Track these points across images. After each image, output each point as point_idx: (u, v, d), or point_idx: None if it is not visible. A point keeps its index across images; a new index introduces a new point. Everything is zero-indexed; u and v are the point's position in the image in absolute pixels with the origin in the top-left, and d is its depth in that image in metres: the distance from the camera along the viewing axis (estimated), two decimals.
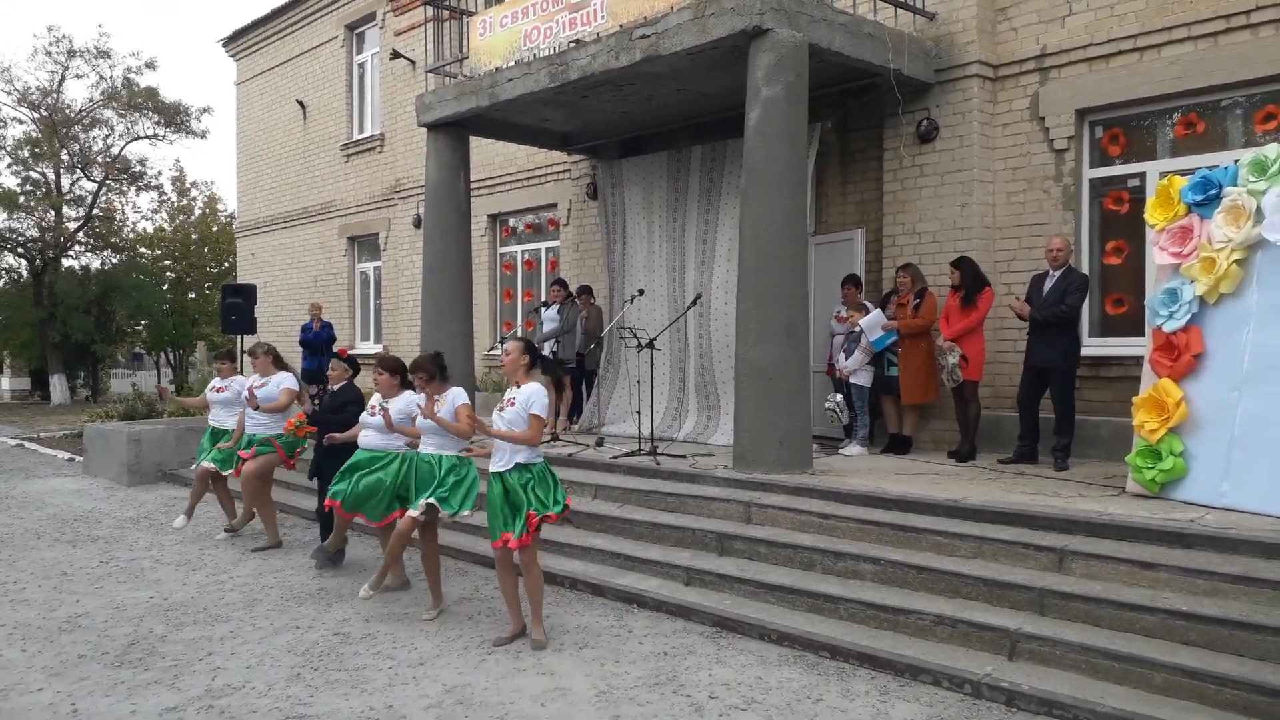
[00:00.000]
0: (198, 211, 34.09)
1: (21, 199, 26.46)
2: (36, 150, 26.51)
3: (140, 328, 31.24)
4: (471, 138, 11.00)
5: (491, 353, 14.09)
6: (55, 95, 26.70)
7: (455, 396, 5.97)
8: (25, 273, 27.77)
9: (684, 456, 8.48)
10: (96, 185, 27.76)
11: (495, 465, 5.53)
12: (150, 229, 32.68)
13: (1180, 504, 5.96)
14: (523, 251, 14.62)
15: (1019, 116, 8.64)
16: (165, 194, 31.68)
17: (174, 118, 27.41)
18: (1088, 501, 6.13)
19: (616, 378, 10.95)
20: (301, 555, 7.82)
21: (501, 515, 5.48)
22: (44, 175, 27.38)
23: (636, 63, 8.30)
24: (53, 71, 26.61)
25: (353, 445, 6.71)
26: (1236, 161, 6.00)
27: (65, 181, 27.67)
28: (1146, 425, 6.20)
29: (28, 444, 16.05)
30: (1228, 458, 5.84)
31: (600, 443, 9.46)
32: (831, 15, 7.93)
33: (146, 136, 27.83)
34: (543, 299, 11.84)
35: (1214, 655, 4.50)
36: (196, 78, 76.53)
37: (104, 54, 26.74)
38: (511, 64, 9.58)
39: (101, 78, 26.88)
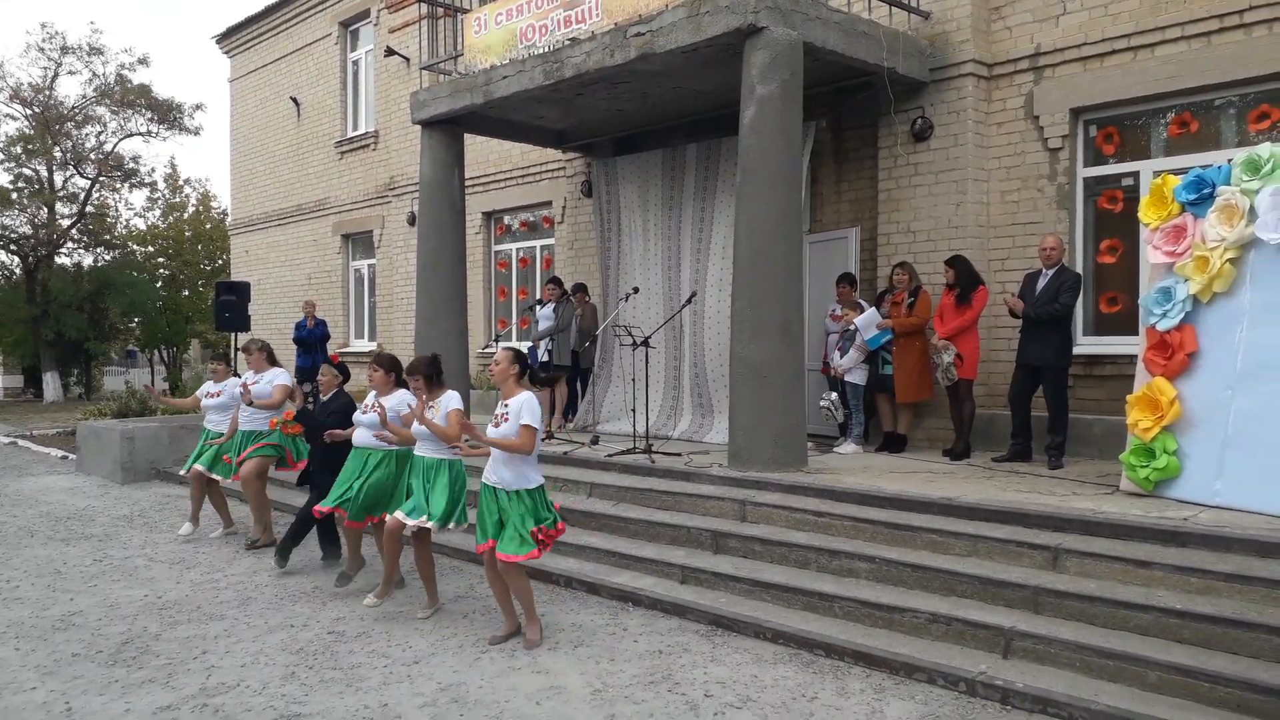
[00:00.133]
0: (191, 209, 33.98)
1: (14, 196, 26.37)
2: (29, 147, 26.40)
3: (133, 325, 31.13)
4: (466, 135, 10.98)
5: (486, 350, 14.08)
6: (48, 92, 26.60)
7: (448, 401, 5.95)
8: (18, 270, 27.66)
9: (679, 455, 8.49)
10: (89, 182, 27.67)
11: (489, 477, 5.50)
12: (143, 226, 32.61)
13: (1174, 502, 5.98)
14: (517, 249, 14.60)
15: (1013, 115, 8.65)
16: (158, 190, 31.60)
17: (167, 114, 27.32)
18: (1082, 500, 6.15)
19: (611, 376, 10.95)
20: (296, 554, 7.79)
21: (490, 522, 5.47)
22: (36, 172, 27.27)
23: (631, 60, 8.30)
24: (45, 68, 26.53)
25: (347, 446, 6.70)
26: (1230, 161, 6.02)
27: (58, 178, 27.58)
28: (1140, 424, 6.21)
29: (21, 442, 15.99)
30: (1221, 456, 5.86)
31: (595, 441, 9.47)
32: (826, 14, 7.93)
33: (140, 133, 27.74)
34: (538, 297, 11.84)
35: (1208, 653, 4.52)
36: (190, 74, 76.31)
37: (97, 50, 26.65)
38: (506, 61, 9.56)
39: (94, 74, 26.80)
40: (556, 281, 10.82)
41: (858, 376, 8.70)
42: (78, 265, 28.59)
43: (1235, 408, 5.80)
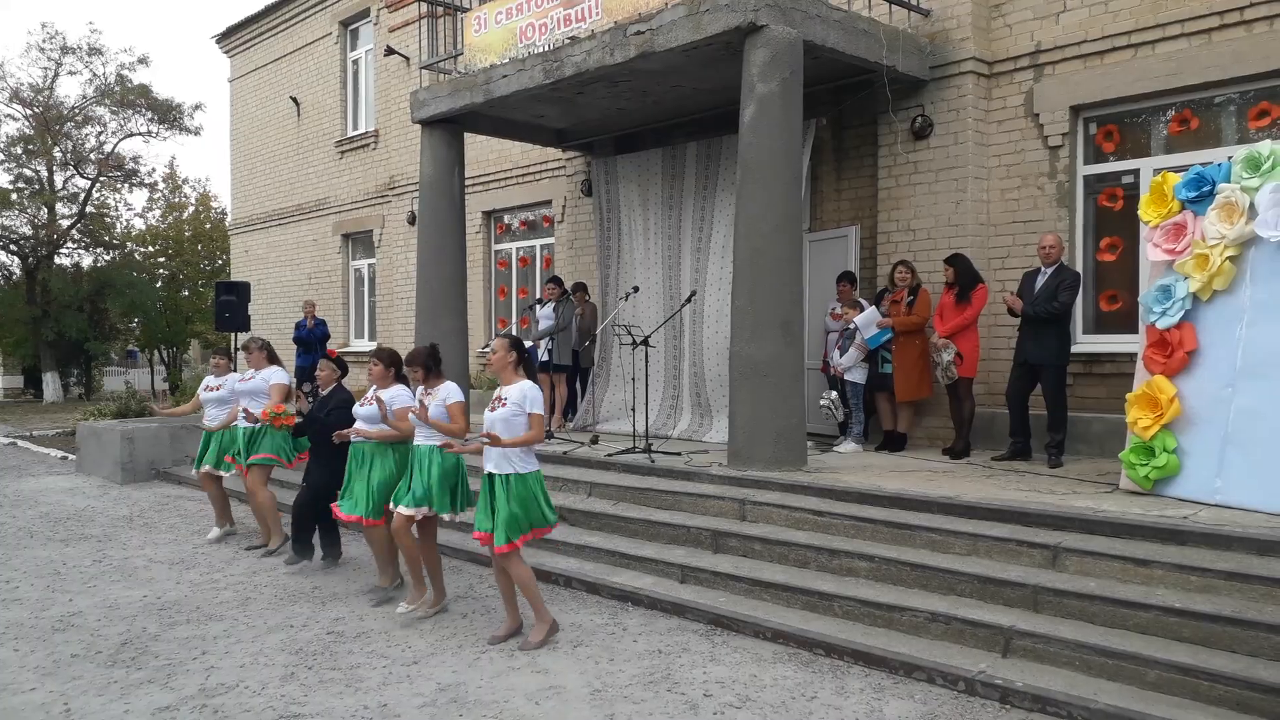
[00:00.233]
0: (190, 209, 33.98)
1: (14, 196, 26.39)
2: (29, 147, 26.43)
3: (133, 325, 31.15)
4: (466, 134, 10.98)
5: (486, 350, 14.06)
6: (48, 92, 26.63)
7: (448, 393, 5.93)
8: (18, 270, 27.69)
9: (679, 454, 8.48)
10: (89, 182, 27.68)
11: (489, 466, 5.50)
12: (143, 226, 32.62)
13: (1174, 501, 5.97)
14: (517, 248, 14.60)
15: (1013, 113, 8.64)
16: (158, 190, 31.62)
17: (167, 114, 27.34)
18: (1081, 498, 6.14)
19: (611, 375, 10.94)
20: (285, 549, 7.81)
21: (488, 511, 5.45)
22: (37, 172, 27.30)
23: (631, 59, 8.29)
24: (45, 68, 26.57)
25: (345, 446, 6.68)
26: (1230, 158, 6.01)
27: (58, 179, 27.60)
28: (1140, 422, 6.21)
29: (20, 442, 16.00)
30: (1221, 454, 5.85)
31: (595, 440, 9.46)
32: (826, 12, 7.92)
33: (139, 133, 27.79)
34: (538, 296, 11.83)
35: (1208, 652, 4.51)
36: (190, 74, 76.32)
37: (97, 51, 26.69)
38: (506, 60, 9.56)
39: (94, 74, 26.83)
40: (556, 281, 10.81)
41: (857, 375, 8.69)
42: (76, 265, 28.61)
43: (1235, 406, 5.79)
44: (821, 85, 8.95)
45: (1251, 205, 5.76)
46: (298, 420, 7.63)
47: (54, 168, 27.25)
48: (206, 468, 8.37)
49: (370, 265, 17.76)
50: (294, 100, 19.31)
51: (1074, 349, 8.02)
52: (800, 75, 7.64)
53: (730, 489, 7.24)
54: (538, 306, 10.85)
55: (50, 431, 17.37)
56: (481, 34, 10.02)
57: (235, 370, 8.93)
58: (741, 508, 6.94)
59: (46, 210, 26.93)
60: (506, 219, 14.79)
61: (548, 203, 13.68)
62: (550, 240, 13.83)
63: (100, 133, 27.45)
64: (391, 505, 6.11)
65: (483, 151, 14.01)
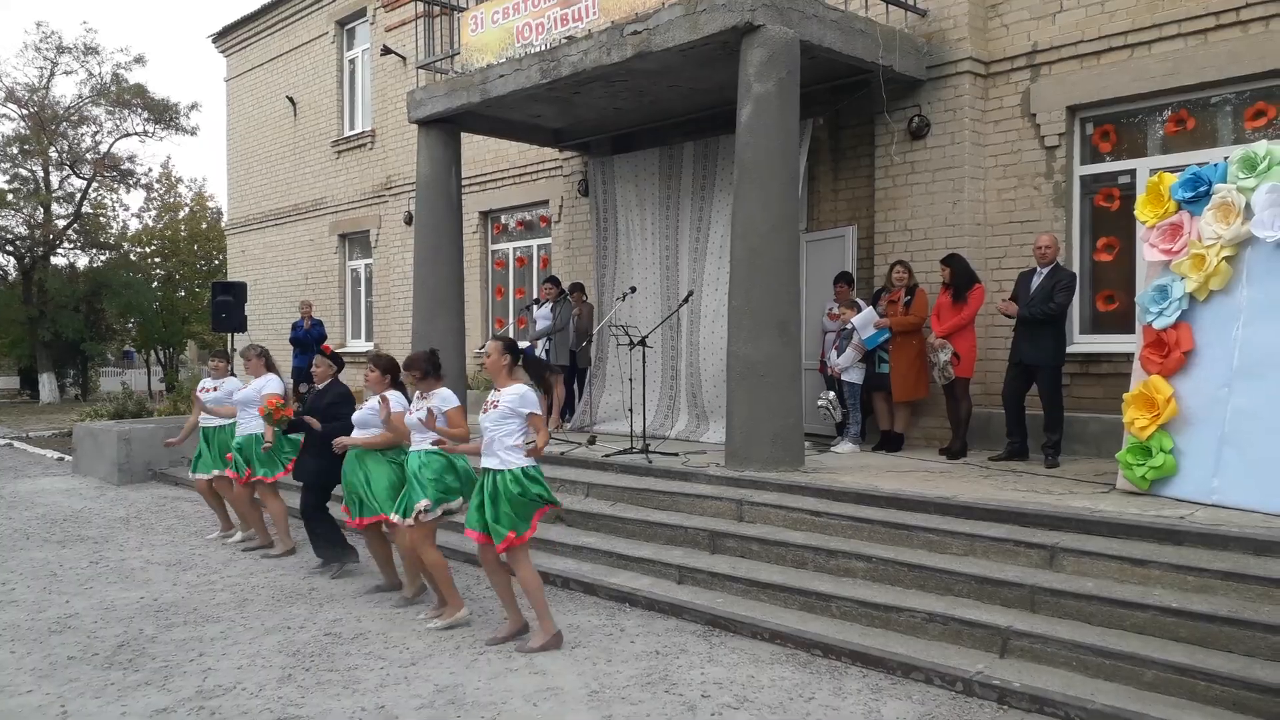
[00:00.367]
0: (186, 209, 33.95)
1: (10, 196, 26.34)
2: (25, 147, 26.38)
3: (130, 326, 31.11)
4: (463, 134, 10.97)
5: (483, 350, 14.06)
6: (44, 92, 26.58)
7: (445, 399, 5.92)
8: (14, 271, 27.64)
9: (676, 454, 8.48)
10: (85, 182, 27.64)
11: (487, 463, 5.49)
12: (138, 226, 32.60)
13: (1170, 501, 5.97)
14: (514, 248, 14.60)
15: (1010, 113, 8.65)
16: (154, 191, 31.59)
17: (163, 114, 27.30)
18: (1078, 499, 6.15)
19: (608, 376, 10.94)
20: (294, 556, 7.80)
21: (480, 510, 5.44)
22: (32, 173, 27.25)
23: (628, 59, 8.28)
24: (41, 68, 26.52)
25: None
26: (1226, 158, 6.01)
27: (54, 179, 27.56)
28: (1137, 422, 6.21)
29: (16, 443, 15.97)
30: (1218, 454, 5.85)
31: (592, 441, 9.46)
32: (823, 11, 7.93)
33: (135, 133, 27.74)
34: (535, 297, 11.82)
35: (1204, 652, 4.52)
36: (186, 74, 76.25)
37: (92, 50, 26.63)
38: (503, 60, 9.55)
39: (90, 74, 26.78)
40: (554, 281, 10.81)
41: (854, 375, 8.69)
42: (72, 266, 28.56)
43: (1232, 406, 5.80)
44: (818, 85, 8.94)
45: (1248, 205, 5.76)
46: (296, 410, 7.59)
47: (50, 168, 27.20)
48: (205, 475, 8.34)
49: (367, 265, 17.75)
50: (290, 100, 19.29)
51: (1071, 349, 8.04)
52: (797, 75, 7.64)
53: (727, 489, 7.24)
54: (535, 307, 10.85)
55: (46, 432, 17.35)
56: (478, 34, 10.01)
57: (234, 374, 8.91)
58: (739, 508, 6.94)
59: (42, 210, 26.89)
60: (503, 219, 14.78)
61: (545, 203, 13.67)
62: (547, 240, 13.82)
63: (96, 132, 27.44)
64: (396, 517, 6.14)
65: (479, 151, 14.00)
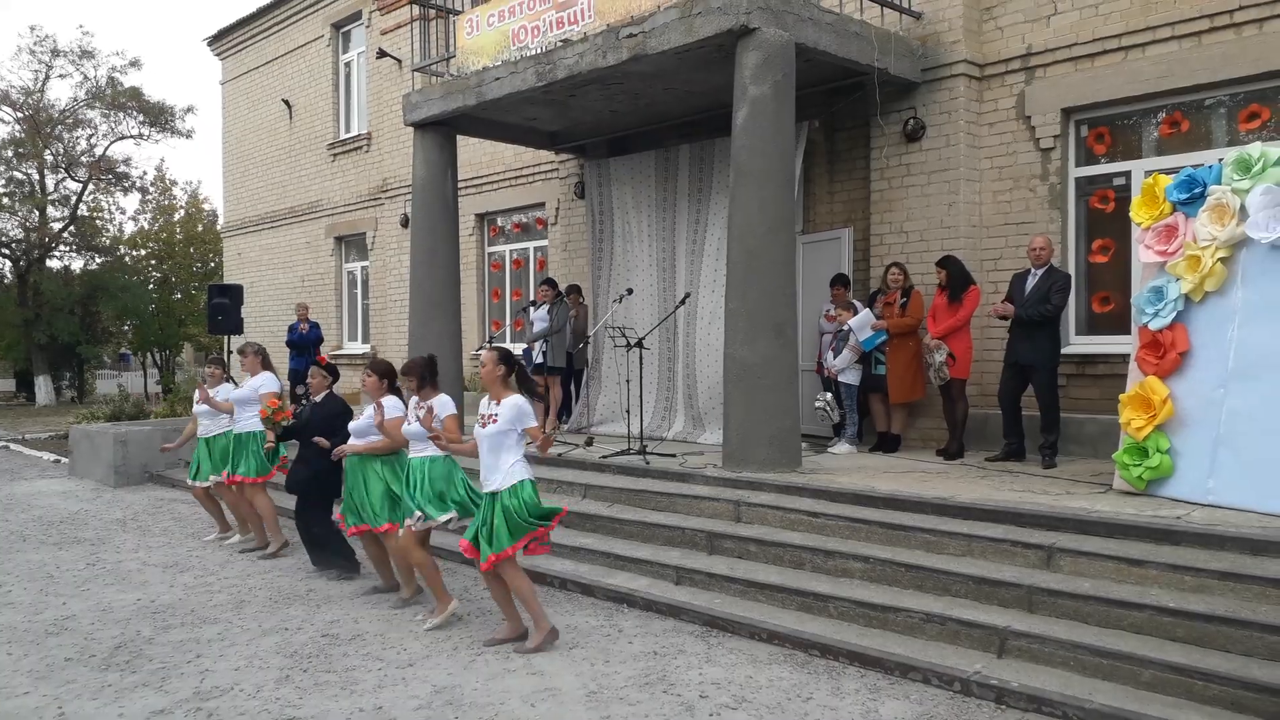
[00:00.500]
0: (180, 212, 33.92)
1: (5, 200, 26.31)
2: (20, 150, 26.35)
3: (126, 328, 31.07)
4: (459, 137, 10.97)
5: (480, 352, 14.05)
6: (39, 95, 26.55)
7: (443, 406, 5.92)
8: (10, 274, 27.60)
9: (673, 456, 8.48)
10: (81, 185, 27.61)
11: (491, 485, 5.46)
12: (133, 228, 32.56)
13: (1167, 501, 5.99)
14: (511, 251, 14.60)
15: (1005, 115, 8.67)
16: (149, 194, 31.54)
17: (158, 117, 27.29)
18: (1075, 499, 6.16)
19: (605, 377, 10.94)
20: (291, 557, 7.79)
21: (484, 528, 5.44)
22: (28, 176, 27.22)
23: (624, 62, 8.30)
24: (36, 71, 26.50)
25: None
26: (1221, 160, 6.04)
27: (50, 182, 27.52)
28: (1133, 423, 6.23)
29: (13, 446, 15.94)
30: (1214, 455, 5.87)
31: (590, 442, 9.46)
32: (818, 14, 7.94)
33: (131, 136, 27.72)
34: (531, 299, 11.83)
35: (1201, 651, 4.53)
36: (181, 77, 76.16)
37: (88, 54, 26.61)
38: (499, 63, 9.56)
39: (85, 77, 26.76)
40: (550, 283, 10.81)
41: (851, 377, 8.71)
42: (66, 268, 28.53)
43: (1227, 406, 5.81)
44: (814, 88, 8.96)
45: (1242, 207, 5.78)
46: (295, 412, 7.59)
47: (45, 171, 27.17)
48: (204, 484, 8.34)
49: (363, 268, 17.74)
50: (286, 103, 19.28)
51: (1067, 350, 8.07)
52: (792, 78, 7.66)
53: (725, 490, 7.24)
54: (532, 309, 10.85)
55: (43, 435, 17.32)
56: (474, 36, 10.02)
57: (230, 380, 8.90)
58: (736, 509, 6.95)
59: (38, 213, 26.86)
60: (500, 221, 14.78)
61: (541, 205, 13.68)
62: (544, 242, 13.83)
63: (91, 135, 27.42)
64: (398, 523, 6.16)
65: (475, 154, 14.01)
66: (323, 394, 7.16)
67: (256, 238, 20.51)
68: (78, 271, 28.45)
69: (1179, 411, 6.04)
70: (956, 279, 8.03)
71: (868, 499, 6.53)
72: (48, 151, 26.55)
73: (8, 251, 26.91)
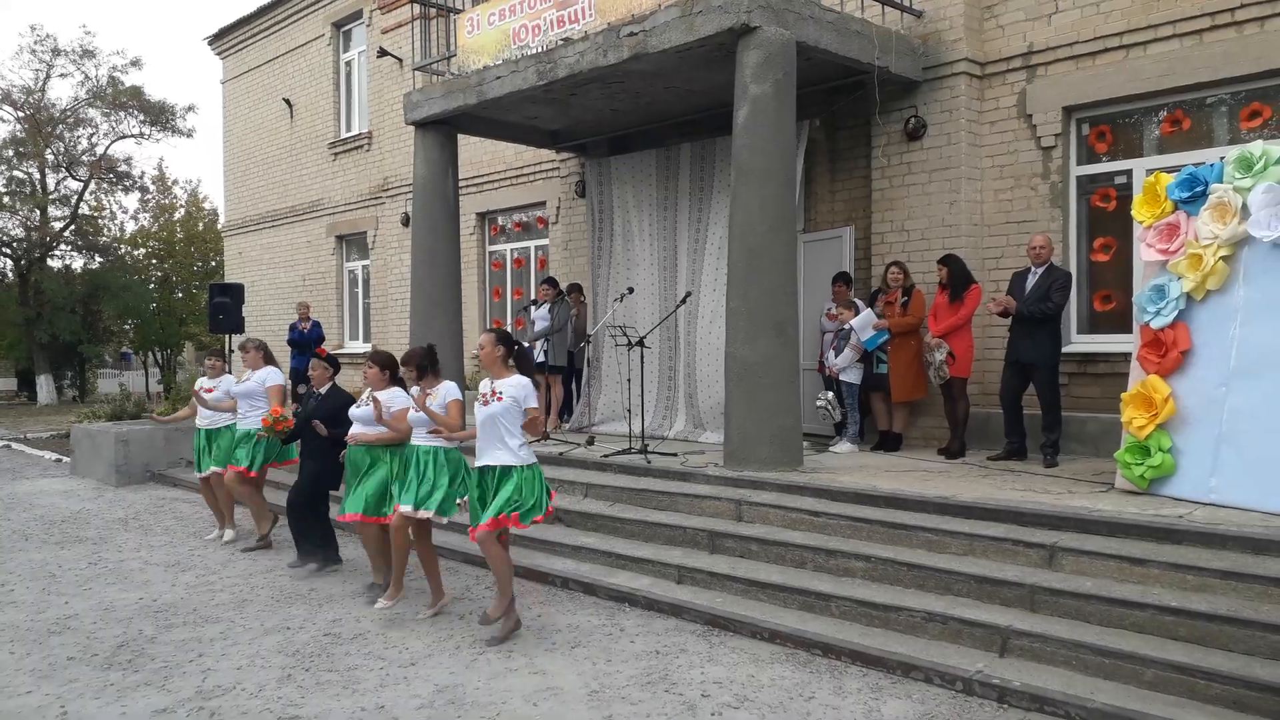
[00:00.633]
0: (181, 211, 33.92)
1: (6, 199, 26.31)
2: (21, 150, 26.36)
3: (127, 327, 31.09)
4: (460, 136, 10.97)
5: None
6: (40, 94, 26.55)
7: (448, 391, 5.97)
8: (11, 273, 27.61)
9: (675, 455, 8.48)
10: (82, 185, 27.62)
11: (479, 461, 5.51)
12: (134, 227, 32.57)
13: (1169, 500, 5.99)
14: (512, 249, 14.59)
15: (1006, 114, 8.66)
16: (149, 193, 31.55)
17: (159, 116, 27.29)
18: (1077, 498, 6.16)
19: (606, 376, 10.94)
20: (292, 555, 7.78)
21: (479, 507, 5.50)
22: (29, 175, 27.23)
23: (624, 61, 8.29)
24: (37, 70, 26.50)
25: (339, 443, 6.68)
26: (1222, 158, 6.03)
27: (51, 181, 27.53)
28: (1135, 422, 6.23)
29: (14, 445, 15.95)
30: (1215, 453, 5.87)
31: (591, 441, 9.46)
32: (819, 13, 7.94)
33: (132, 135, 27.73)
34: (532, 298, 11.82)
35: (1203, 650, 4.53)
36: (182, 76, 76.17)
37: (89, 53, 26.61)
38: (499, 62, 9.56)
39: (86, 76, 26.76)
40: (551, 282, 10.80)
41: (852, 376, 8.71)
42: (67, 267, 28.53)
43: (1229, 405, 5.81)
44: (815, 86, 8.96)
45: (1244, 205, 5.78)
46: (295, 413, 7.61)
47: (46, 170, 27.18)
48: (205, 473, 8.37)
49: (364, 267, 17.73)
50: (287, 102, 19.27)
51: (1068, 349, 8.07)
52: (793, 76, 7.65)
53: (726, 489, 7.25)
54: (533, 308, 10.85)
55: (44, 434, 17.33)
56: (474, 35, 10.02)
57: (230, 373, 8.93)
58: (738, 508, 6.95)
59: (39, 212, 26.86)
60: (500, 220, 14.78)
61: (542, 204, 13.67)
62: (545, 241, 13.83)
63: (92, 134, 27.43)
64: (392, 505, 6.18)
65: (476, 153, 14.00)
66: (326, 385, 7.17)
67: (257, 237, 20.51)
68: (79, 270, 28.45)
69: (1181, 410, 6.04)
70: (958, 278, 8.03)
71: (869, 498, 6.53)
72: (49, 151, 26.55)
73: (9, 251, 26.92)
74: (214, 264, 30.80)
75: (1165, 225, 6.25)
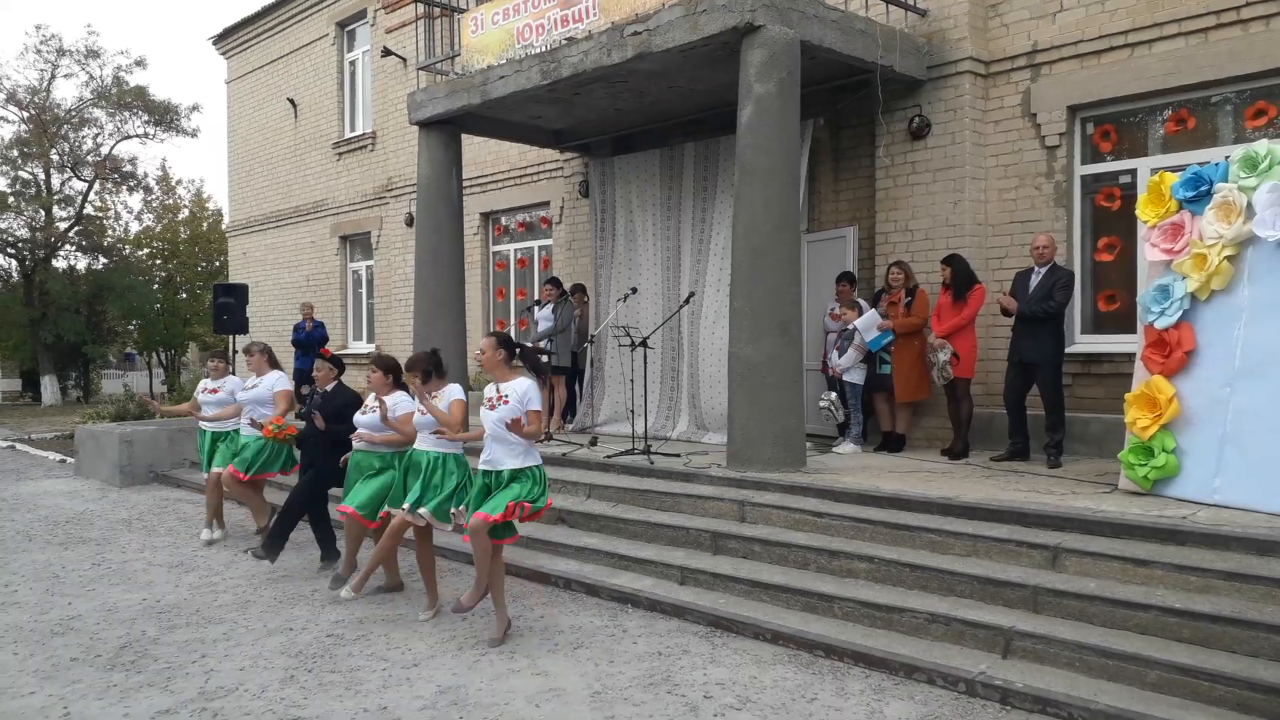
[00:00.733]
0: (185, 211, 33.98)
1: (11, 199, 26.36)
2: (26, 150, 26.41)
3: (131, 328, 31.14)
4: (464, 135, 10.98)
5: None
6: (45, 94, 26.61)
7: (451, 392, 5.98)
8: (16, 274, 27.67)
9: (678, 455, 8.48)
10: (87, 185, 27.66)
11: (485, 463, 5.50)
12: (138, 228, 32.62)
13: (1173, 501, 5.97)
14: (515, 250, 14.60)
15: (1011, 113, 8.64)
16: (153, 193, 31.60)
17: (164, 116, 27.34)
18: (1081, 499, 6.14)
19: (610, 377, 10.94)
20: (294, 556, 7.79)
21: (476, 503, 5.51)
22: (34, 175, 27.28)
23: (628, 60, 8.29)
24: (42, 70, 26.55)
25: (344, 444, 6.69)
26: (1227, 158, 6.02)
27: (55, 181, 27.58)
28: (1139, 422, 6.21)
29: (19, 445, 15.98)
30: (1220, 454, 5.85)
31: (594, 442, 9.46)
32: (823, 12, 7.93)
33: (136, 135, 27.77)
34: (536, 298, 11.82)
35: (1207, 652, 4.51)
36: (187, 76, 76.28)
37: (93, 53, 26.66)
38: (503, 61, 9.55)
39: (91, 77, 26.81)
40: (555, 282, 10.80)
41: (856, 376, 8.69)
42: (71, 268, 28.58)
43: (1234, 405, 5.79)
44: (819, 85, 8.94)
45: (1249, 205, 5.76)
46: (299, 413, 7.63)
47: (51, 170, 27.23)
48: (216, 470, 8.38)
49: (368, 267, 17.75)
50: (291, 102, 19.30)
51: (1072, 349, 8.05)
52: (797, 75, 7.64)
53: (729, 490, 7.23)
54: (536, 308, 10.84)
55: (48, 434, 17.35)
56: (479, 35, 10.02)
57: (234, 374, 8.92)
58: (741, 509, 6.94)
59: (44, 213, 26.92)
60: (504, 220, 14.78)
61: (545, 204, 13.67)
62: (548, 241, 13.83)
63: (97, 134, 27.48)
64: (389, 507, 6.18)
65: (480, 153, 14.00)
66: (331, 384, 7.18)
67: (261, 237, 20.53)
68: (83, 271, 28.51)
69: (1185, 410, 6.02)
70: (961, 278, 8.01)
71: (873, 499, 6.51)
72: (53, 151, 26.60)
73: (14, 251, 26.97)
74: (218, 264, 30.84)
75: (1170, 225, 6.23)
